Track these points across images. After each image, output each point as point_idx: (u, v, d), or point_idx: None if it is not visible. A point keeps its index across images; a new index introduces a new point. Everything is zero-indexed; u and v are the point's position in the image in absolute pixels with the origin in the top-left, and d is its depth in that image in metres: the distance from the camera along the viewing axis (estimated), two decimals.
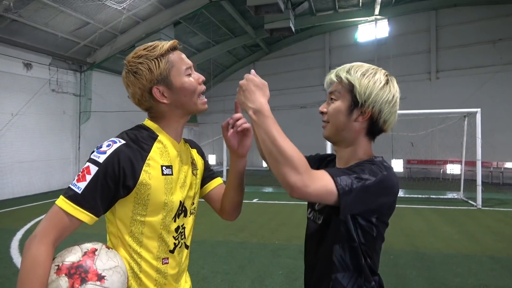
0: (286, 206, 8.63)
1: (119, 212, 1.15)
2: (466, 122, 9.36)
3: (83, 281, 0.96)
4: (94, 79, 12.68)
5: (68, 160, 12.00)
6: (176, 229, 1.23)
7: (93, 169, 1.05)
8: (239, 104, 1.12)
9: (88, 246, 1.05)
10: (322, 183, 0.95)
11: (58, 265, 0.98)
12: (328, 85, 1.24)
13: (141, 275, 1.17)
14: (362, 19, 15.00)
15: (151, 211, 1.16)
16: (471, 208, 8.36)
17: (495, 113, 11.60)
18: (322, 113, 1.23)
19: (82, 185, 1.04)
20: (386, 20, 15.51)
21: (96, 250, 1.04)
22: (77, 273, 0.97)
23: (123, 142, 1.13)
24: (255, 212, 7.91)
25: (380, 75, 1.15)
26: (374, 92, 1.12)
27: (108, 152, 1.08)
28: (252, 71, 1.14)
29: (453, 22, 14.31)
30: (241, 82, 1.10)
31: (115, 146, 1.10)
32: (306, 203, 1.31)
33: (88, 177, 1.05)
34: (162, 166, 1.18)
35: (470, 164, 10.20)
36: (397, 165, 11.12)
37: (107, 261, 1.02)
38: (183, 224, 1.27)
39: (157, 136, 1.23)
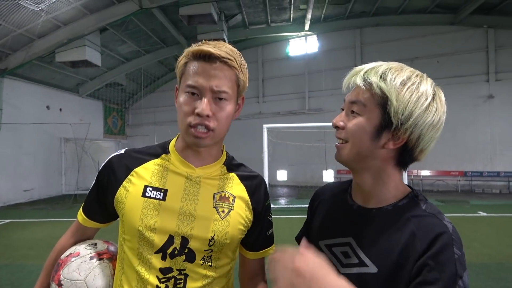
0: None
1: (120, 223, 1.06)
2: None
3: (52, 278, 1.04)
4: (6, 88, 11.30)
5: None
6: (164, 271, 0.96)
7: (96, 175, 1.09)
8: None
9: (79, 248, 1.08)
10: None
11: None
12: (349, 89, 0.90)
13: None
14: (293, 34, 15.45)
15: (128, 235, 0.99)
16: None
17: None
18: (337, 127, 0.90)
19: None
20: (316, 36, 16.14)
21: (77, 254, 1.05)
22: (54, 269, 1.06)
23: (121, 152, 1.07)
24: None
25: (427, 87, 0.82)
26: (416, 112, 0.79)
27: (105, 161, 1.07)
28: (303, 243, 0.74)
29: (375, 40, 15.36)
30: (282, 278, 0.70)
31: (111, 156, 1.07)
32: None
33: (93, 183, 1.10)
34: (146, 186, 1.00)
35: None
36: (329, 175, 11.50)
37: (73, 272, 1.01)
38: (184, 270, 0.97)
39: (166, 153, 1.07)
